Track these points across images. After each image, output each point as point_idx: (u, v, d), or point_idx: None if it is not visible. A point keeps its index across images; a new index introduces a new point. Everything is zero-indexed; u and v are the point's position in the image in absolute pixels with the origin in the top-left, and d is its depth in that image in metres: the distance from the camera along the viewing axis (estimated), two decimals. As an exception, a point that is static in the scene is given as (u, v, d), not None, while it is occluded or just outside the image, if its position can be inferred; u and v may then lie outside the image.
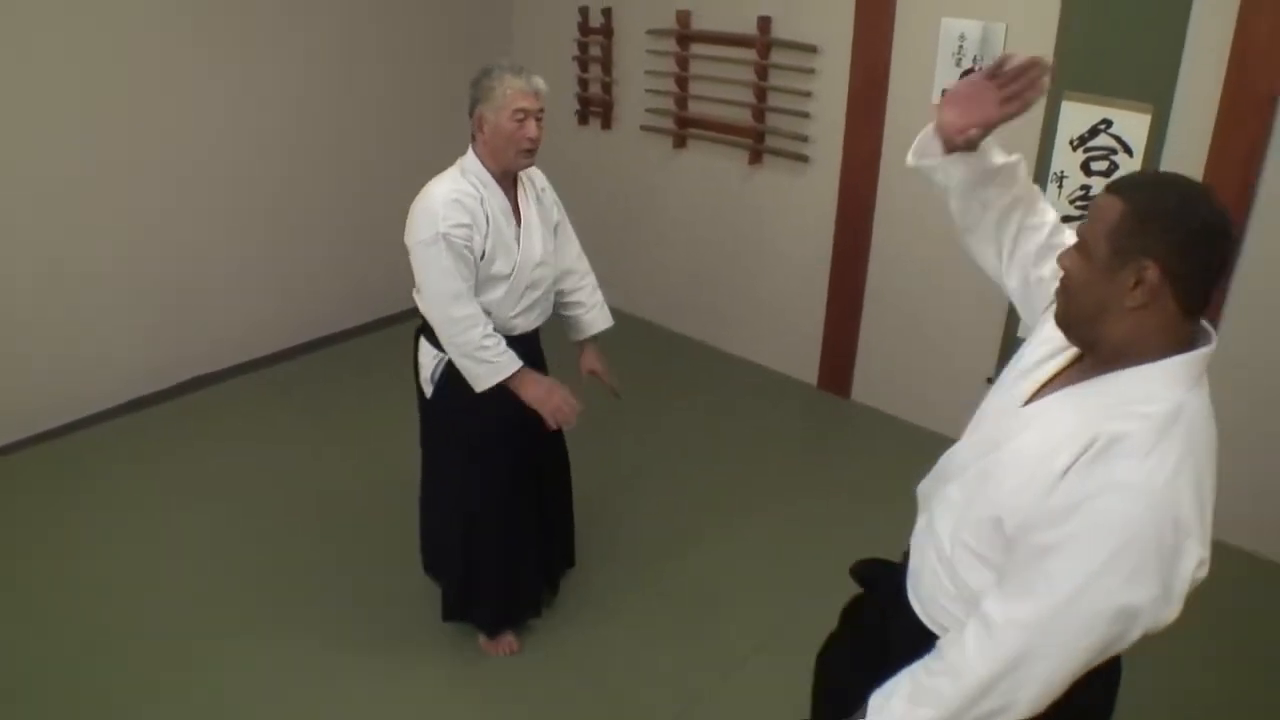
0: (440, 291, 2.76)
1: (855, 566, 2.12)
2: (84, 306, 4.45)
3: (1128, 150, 3.68)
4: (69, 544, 3.73)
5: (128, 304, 4.59)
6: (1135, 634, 1.44)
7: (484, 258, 2.81)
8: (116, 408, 4.67)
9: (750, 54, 4.76)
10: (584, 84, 5.64)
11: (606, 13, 5.36)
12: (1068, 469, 1.47)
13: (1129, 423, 1.44)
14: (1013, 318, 4.14)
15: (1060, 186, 3.88)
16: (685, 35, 5.01)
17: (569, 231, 3.21)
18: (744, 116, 4.92)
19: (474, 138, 2.85)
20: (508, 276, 2.87)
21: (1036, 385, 1.68)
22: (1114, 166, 3.73)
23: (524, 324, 3.00)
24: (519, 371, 2.86)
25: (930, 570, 1.76)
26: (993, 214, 1.89)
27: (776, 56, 4.70)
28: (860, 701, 1.76)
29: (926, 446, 2.20)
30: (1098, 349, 1.55)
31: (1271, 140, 3.40)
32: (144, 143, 4.44)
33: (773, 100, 4.77)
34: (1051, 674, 1.47)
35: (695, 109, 5.14)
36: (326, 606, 3.45)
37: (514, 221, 2.90)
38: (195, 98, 4.56)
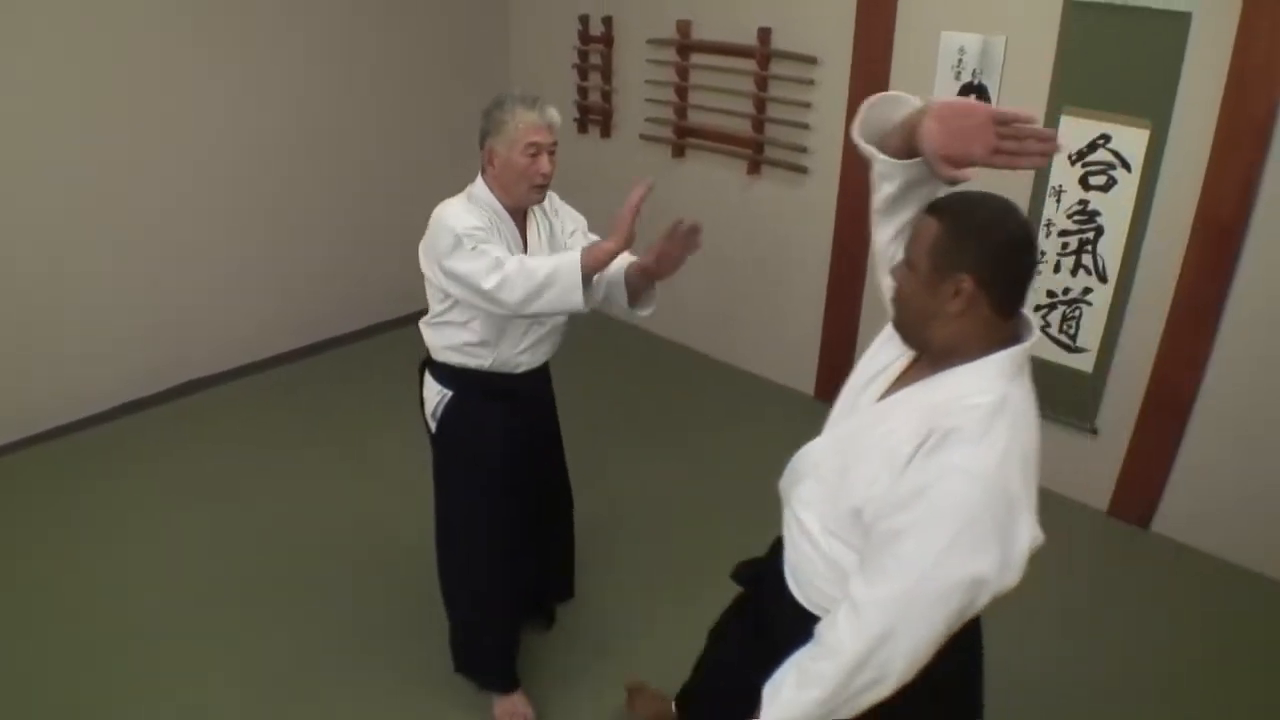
0: (481, 278, 2.48)
1: (736, 570, 2.28)
2: (82, 307, 4.45)
3: (1126, 165, 3.69)
4: (67, 544, 3.73)
5: (126, 305, 4.60)
6: (984, 599, 1.63)
7: None
8: (114, 409, 4.67)
9: (750, 64, 4.77)
10: (583, 92, 5.65)
11: (607, 21, 5.38)
12: (910, 459, 1.64)
13: (960, 415, 1.62)
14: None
15: (1058, 201, 3.89)
16: (685, 45, 5.02)
17: (588, 240, 2.95)
18: (743, 127, 4.92)
19: (484, 169, 2.70)
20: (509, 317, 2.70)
21: (887, 384, 1.87)
22: (1112, 181, 3.74)
23: (530, 360, 2.86)
24: (585, 254, 2.53)
25: (806, 559, 1.91)
26: (915, 209, 1.94)
27: (776, 67, 4.71)
28: (748, 687, 1.89)
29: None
30: (929, 350, 1.76)
31: (1269, 158, 3.41)
32: (143, 144, 4.45)
33: (772, 111, 4.79)
34: (917, 643, 1.63)
35: (695, 118, 5.15)
36: (325, 611, 3.46)
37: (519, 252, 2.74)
38: (195, 99, 4.58)
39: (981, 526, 1.57)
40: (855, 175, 4.53)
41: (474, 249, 2.49)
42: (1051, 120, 3.81)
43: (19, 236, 4.17)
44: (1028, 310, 1.76)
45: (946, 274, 1.65)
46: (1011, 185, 3.98)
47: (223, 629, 3.34)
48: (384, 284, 5.50)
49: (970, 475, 1.57)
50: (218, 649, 3.25)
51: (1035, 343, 1.73)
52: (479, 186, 2.71)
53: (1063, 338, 4.05)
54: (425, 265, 2.66)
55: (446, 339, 2.78)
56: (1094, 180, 3.80)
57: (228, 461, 4.33)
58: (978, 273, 1.63)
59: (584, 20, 5.48)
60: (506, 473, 2.90)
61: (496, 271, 2.45)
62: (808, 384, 5.10)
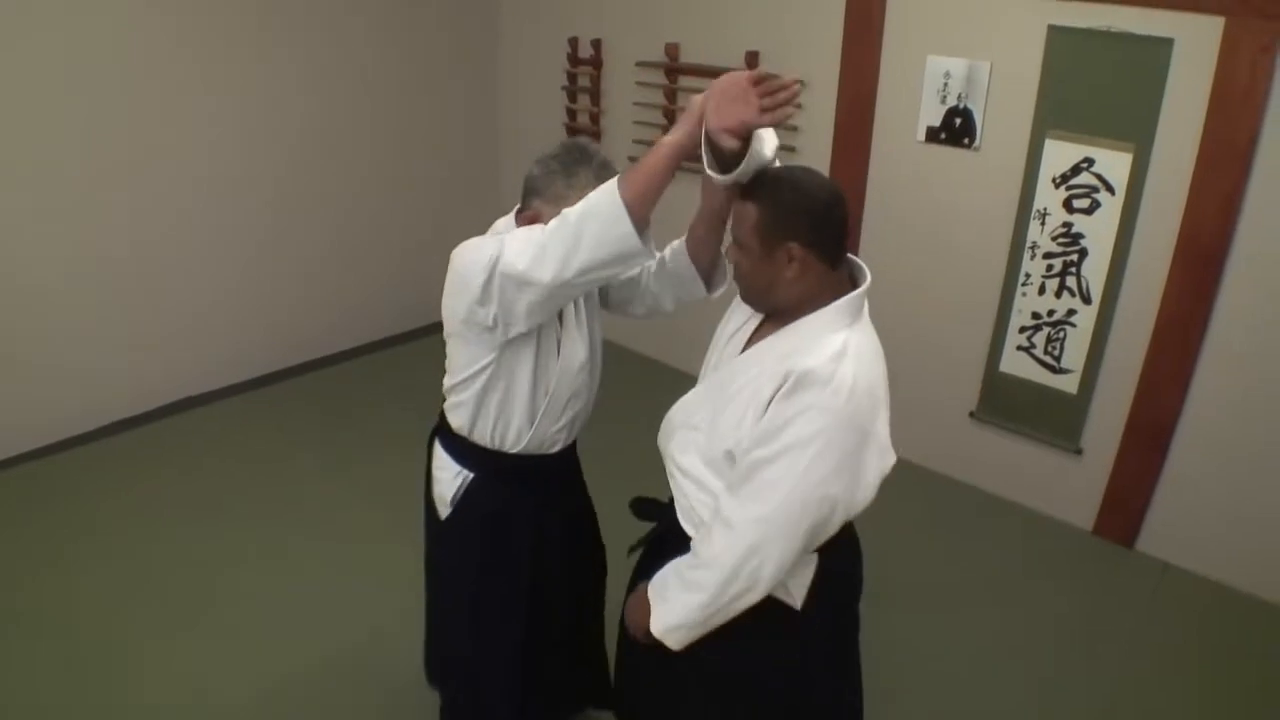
0: (514, 264, 2.08)
1: (633, 502, 2.38)
2: (70, 325, 4.44)
3: (1109, 188, 3.73)
4: (59, 560, 3.72)
5: (113, 320, 4.60)
6: (839, 517, 1.89)
7: None
8: (102, 429, 4.66)
9: (738, 87, 4.77)
10: (572, 114, 5.68)
11: (596, 44, 5.41)
12: (770, 400, 1.87)
13: (811, 358, 1.84)
14: (993, 357, 4.18)
15: (1043, 224, 3.93)
16: (674, 68, 5.06)
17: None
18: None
19: (516, 223, 2.34)
20: (548, 392, 2.40)
21: (744, 340, 2.12)
22: (1096, 204, 3.78)
23: (564, 440, 2.53)
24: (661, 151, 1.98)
25: (695, 498, 2.10)
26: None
27: (764, 90, 4.71)
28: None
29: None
30: (778, 310, 2.00)
31: (1250, 181, 3.46)
32: (138, 158, 4.46)
33: (760, 133, 4.79)
34: (782, 555, 1.87)
35: (683, 140, 5.15)
36: (318, 625, 3.45)
37: (554, 321, 2.38)
38: (190, 115, 4.58)
39: (833, 454, 1.82)
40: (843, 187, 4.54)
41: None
42: (1036, 143, 3.86)
43: (8, 253, 4.17)
44: (857, 257, 2.00)
45: (776, 246, 1.90)
46: (997, 211, 4.03)
47: (211, 645, 3.33)
48: (374, 304, 5.50)
49: (822, 411, 1.81)
50: (205, 668, 3.25)
51: (869, 286, 1.97)
52: (510, 231, 2.27)
53: (1048, 359, 4.08)
54: (455, 311, 2.26)
55: (471, 414, 2.41)
56: (1078, 203, 3.84)
57: (216, 481, 4.31)
58: (803, 238, 1.89)
59: (573, 43, 5.51)
60: (535, 573, 2.57)
61: (527, 248, 2.07)
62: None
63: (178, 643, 3.36)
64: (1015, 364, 4.19)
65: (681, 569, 2.02)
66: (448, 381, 2.43)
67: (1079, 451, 4.12)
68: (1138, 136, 3.64)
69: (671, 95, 5.10)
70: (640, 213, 1.93)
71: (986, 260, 4.17)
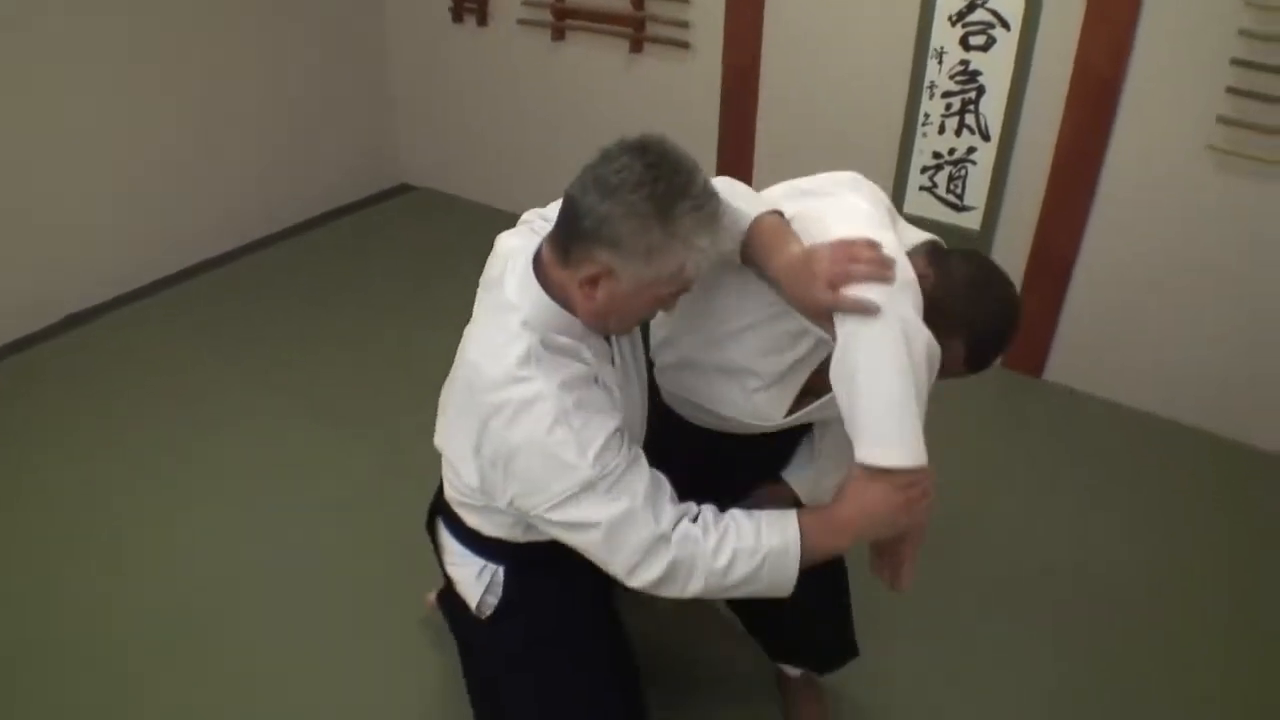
0: (622, 530, 1.65)
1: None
2: None
3: (1005, 24, 3.73)
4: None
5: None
6: None
7: None
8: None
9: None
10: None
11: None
12: None
13: None
14: (897, 199, 4.22)
15: (940, 62, 3.93)
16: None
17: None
18: (623, 4, 4.82)
19: (540, 270, 1.76)
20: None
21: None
22: (992, 40, 3.78)
23: None
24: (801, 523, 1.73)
25: None
26: None
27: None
28: None
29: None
30: None
31: (1143, 11, 3.48)
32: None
33: (651, -14, 4.71)
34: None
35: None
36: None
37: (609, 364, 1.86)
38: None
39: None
40: (738, 47, 4.49)
41: (613, 485, 1.64)
42: (930, -18, 3.84)
43: None
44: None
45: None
46: (894, 53, 4.02)
47: (195, 532, 3.25)
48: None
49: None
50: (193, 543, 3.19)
51: None
52: (535, 305, 1.72)
53: (950, 197, 4.14)
54: (482, 476, 1.79)
55: (493, 522, 1.97)
56: (974, 40, 3.83)
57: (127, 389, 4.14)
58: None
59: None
60: (607, 629, 2.11)
61: (663, 547, 1.65)
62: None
63: (165, 529, 3.33)
64: (919, 204, 4.23)
65: None
66: (452, 486, 1.99)
67: (985, 287, 4.20)
68: (1030, -32, 3.64)
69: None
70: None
71: (886, 103, 4.16)
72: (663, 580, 1.66)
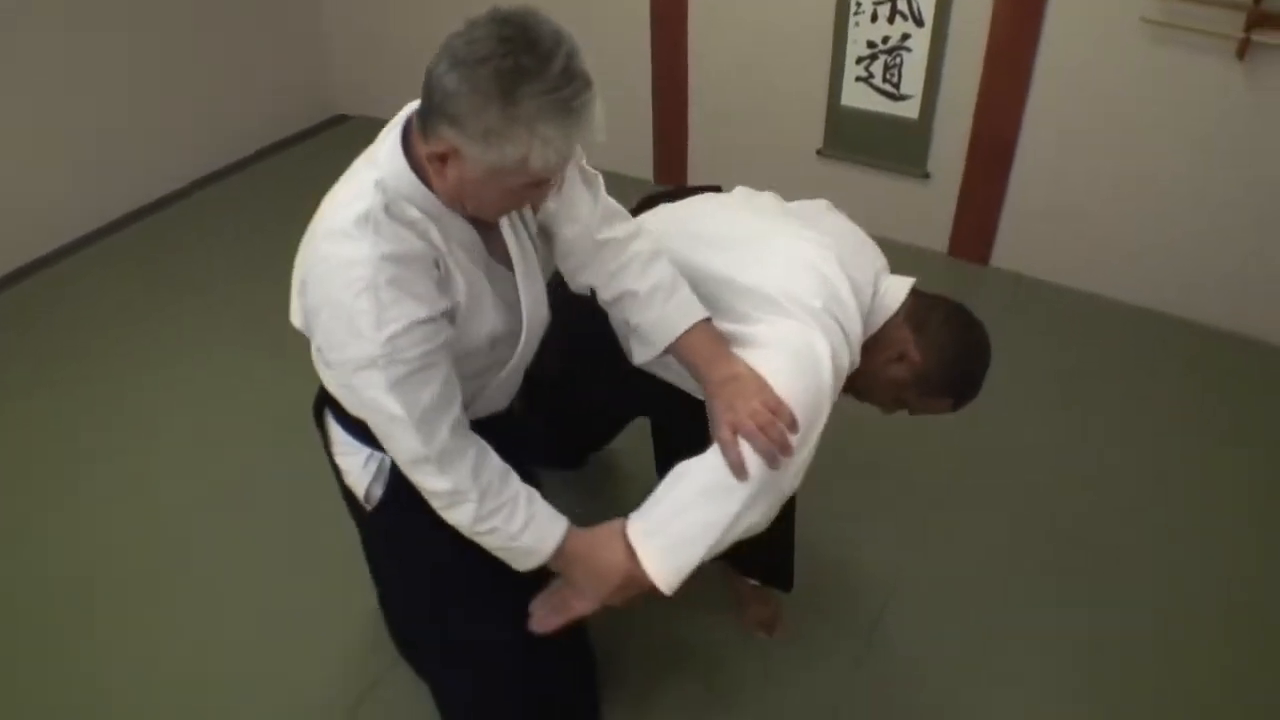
0: (396, 431, 1.64)
1: None
2: None
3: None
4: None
5: None
6: None
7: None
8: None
9: None
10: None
11: None
12: None
13: None
14: (834, 92, 4.19)
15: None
16: None
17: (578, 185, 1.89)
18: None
19: (410, 140, 1.63)
20: (506, 361, 1.87)
21: None
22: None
23: (492, 409, 1.99)
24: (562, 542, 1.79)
25: None
26: None
27: None
28: None
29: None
30: None
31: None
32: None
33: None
34: None
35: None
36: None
37: (497, 262, 1.78)
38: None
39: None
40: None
41: (401, 377, 1.58)
42: None
43: None
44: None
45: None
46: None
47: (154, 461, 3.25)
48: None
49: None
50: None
51: None
52: (392, 168, 1.62)
53: (887, 87, 4.09)
54: (304, 316, 1.73)
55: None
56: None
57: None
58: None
59: None
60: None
61: (428, 468, 1.67)
62: (645, 170, 5.08)
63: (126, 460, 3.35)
64: (856, 96, 4.18)
65: None
66: (319, 358, 1.85)
67: (927, 176, 4.20)
68: None
69: None
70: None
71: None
72: (429, 495, 1.72)
